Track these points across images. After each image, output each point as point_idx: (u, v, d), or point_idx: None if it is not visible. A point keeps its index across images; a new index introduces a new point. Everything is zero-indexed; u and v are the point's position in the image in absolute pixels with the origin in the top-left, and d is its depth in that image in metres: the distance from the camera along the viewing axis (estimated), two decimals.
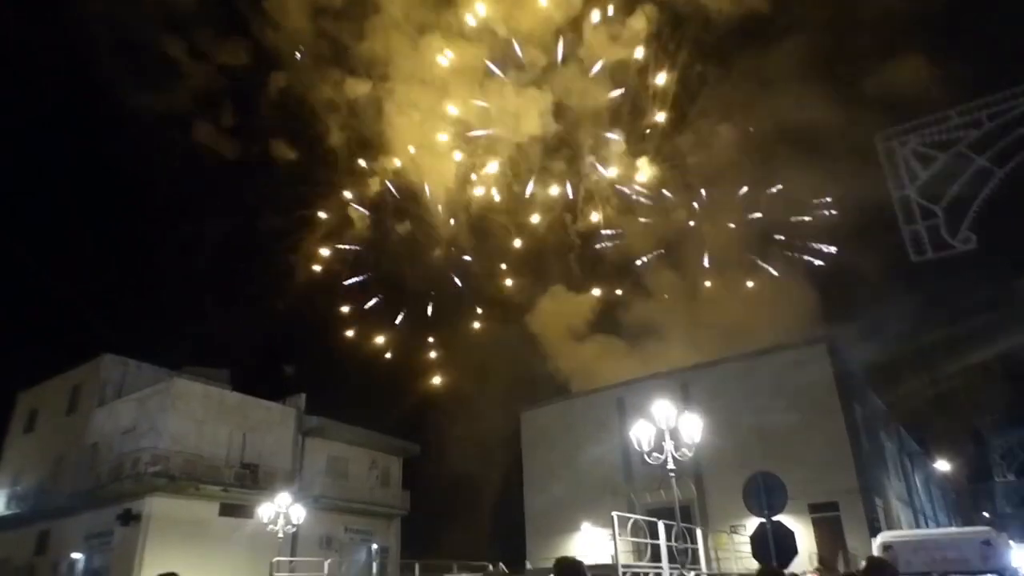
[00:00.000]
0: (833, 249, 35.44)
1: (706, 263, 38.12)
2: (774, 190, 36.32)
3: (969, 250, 16.82)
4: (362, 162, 38.87)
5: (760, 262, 36.85)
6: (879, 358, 33.27)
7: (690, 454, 12.56)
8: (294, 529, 19.71)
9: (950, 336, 34.85)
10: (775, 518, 9.50)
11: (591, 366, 36.53)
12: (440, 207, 39.41)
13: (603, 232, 39.33)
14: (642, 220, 38.37)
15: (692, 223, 38.29)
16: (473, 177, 38.35)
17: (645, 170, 37.93)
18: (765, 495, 9.63)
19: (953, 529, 20.74)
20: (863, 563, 16.20)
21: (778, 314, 34.77)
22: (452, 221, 39.56)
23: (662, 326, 38.23)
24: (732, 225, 37.56)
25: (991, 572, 9.06)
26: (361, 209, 39.15)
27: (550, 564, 19.03)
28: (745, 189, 37.03)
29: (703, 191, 37.96)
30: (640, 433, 12.80)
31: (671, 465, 12.28)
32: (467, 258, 40.53)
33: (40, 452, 28.68)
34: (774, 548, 9.10)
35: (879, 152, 18.82)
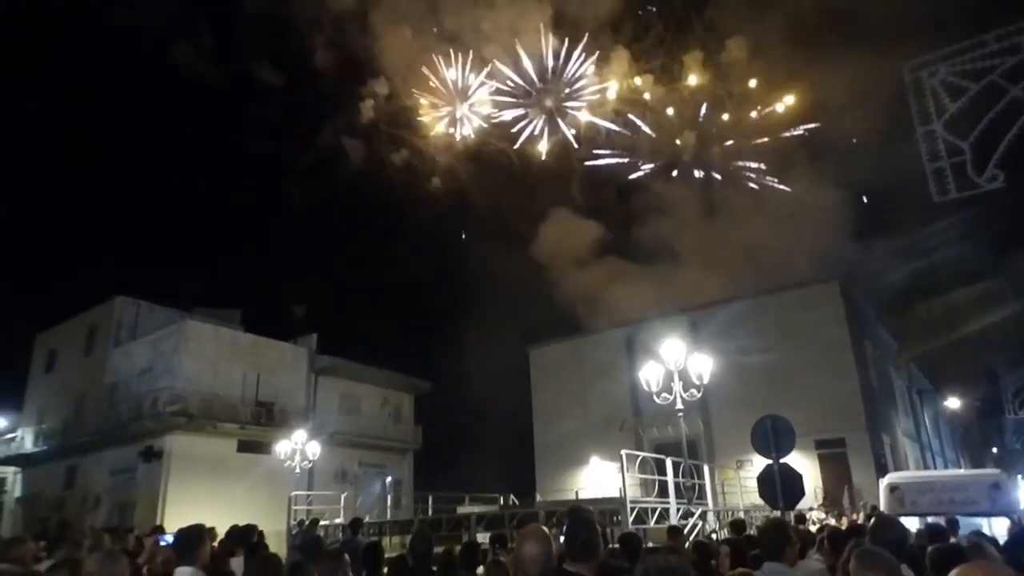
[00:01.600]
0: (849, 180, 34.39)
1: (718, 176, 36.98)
2: (781, 108, 34.86)
3: (996, 188, 16.15)
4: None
5: (773, 182, 35.66)
6: (892, 295, 32.90)
7: (699, 393, 12.56)
8: (310, 464, 20.20)
9: (966, 271, 34.25)
10: (782, 460, 9.50)
11: (599, 292, 36.31)
12: (434, 133, 38.08)
13: (606, 152, 37.92)
14: (649, 132, 36.68)
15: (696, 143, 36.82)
16: (469, 102, 36.84)
17: (650, 89, 36.31)
18: (773, 437, 9.59)
19: (962, 471, 20.94)
20: (864, 503, 16.34)
21: (791, 240, 34.20)
22: (453, 143, 38.16)
23: (672, 244, 37.71)
24: (731, 142, 36.18)
25: (999, 514, 9.05)
26: (352, 140, 37.81)
27: (559, 497, 19.55)
28: (755, 114, 35.66)
29: (706, 109, 36.30)
30: (649, 373, 12.79)
31: (679, 405, 12.31)
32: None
33: (62, 392, 29.44)
34: (781, 490, 9.12)
35: (906, 83, 17.86)
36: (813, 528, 11.32)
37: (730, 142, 36.21)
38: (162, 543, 9.99)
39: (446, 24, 36.71)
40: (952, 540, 5.96)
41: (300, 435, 19.96)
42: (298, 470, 19.58)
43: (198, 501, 20.93)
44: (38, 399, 30.80)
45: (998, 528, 9.31)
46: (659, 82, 36.08)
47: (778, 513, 9.40)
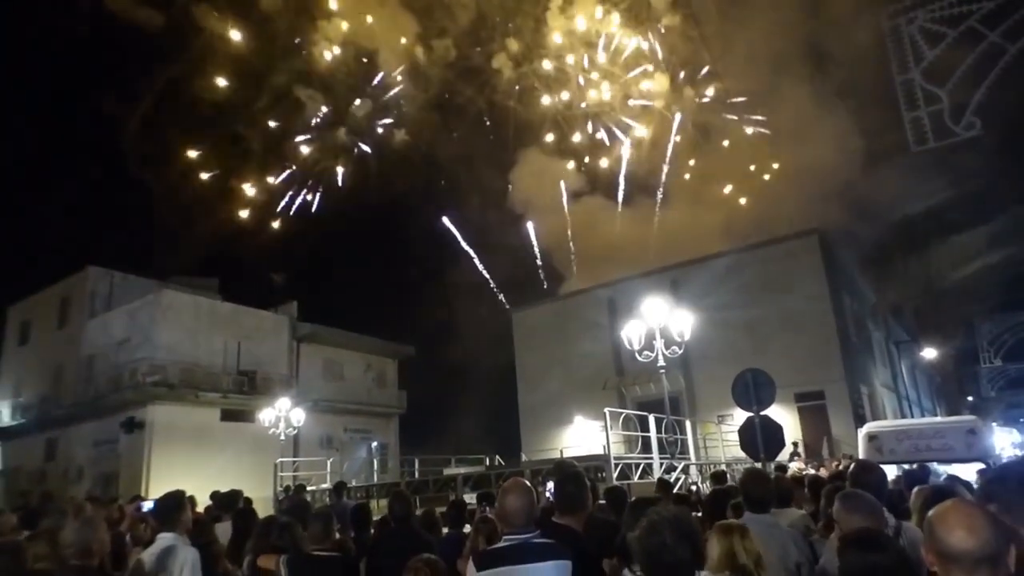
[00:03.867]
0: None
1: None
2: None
3: (973, 136, 16.15)
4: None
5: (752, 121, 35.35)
6: (871, 247, 33.18)
7: (680, 350, 12.59)
8: (295, 431, 20.17)
9: (942, 222, 34.58)
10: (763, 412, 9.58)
11: (578, 237, 36.16)
12: (398, 78, 36.81)
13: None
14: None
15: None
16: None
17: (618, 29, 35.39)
18: (754, 390, 9.67)
19: (938, 419, 21.40)
20: (844, 452, 16.68)
21: (770, 192, 34.23)
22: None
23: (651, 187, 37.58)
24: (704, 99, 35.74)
25: (975, 459, 9.21)
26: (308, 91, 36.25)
27: (545, 456, 19.66)
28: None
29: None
30: (632, 332, 12.79)
31: (661, 362, 12.34)
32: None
33: (37, 364, 28.99)
34: (762, 442, 9.22)
35: (884, 30, 17.65)
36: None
37: (709, 89, 35.73)
38: (143, 510, 9.90)
39: None
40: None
41: (284, 403, 19.86)
42: (283, 437, 19.55)
43: (182, 471, 20.84)
44: (13, 372, 30.33)
45: (969, 476, 9.51)
46: (628, 22, 35.06)
47: (760, 465, 9.52)
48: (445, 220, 39.35)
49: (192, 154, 32.80)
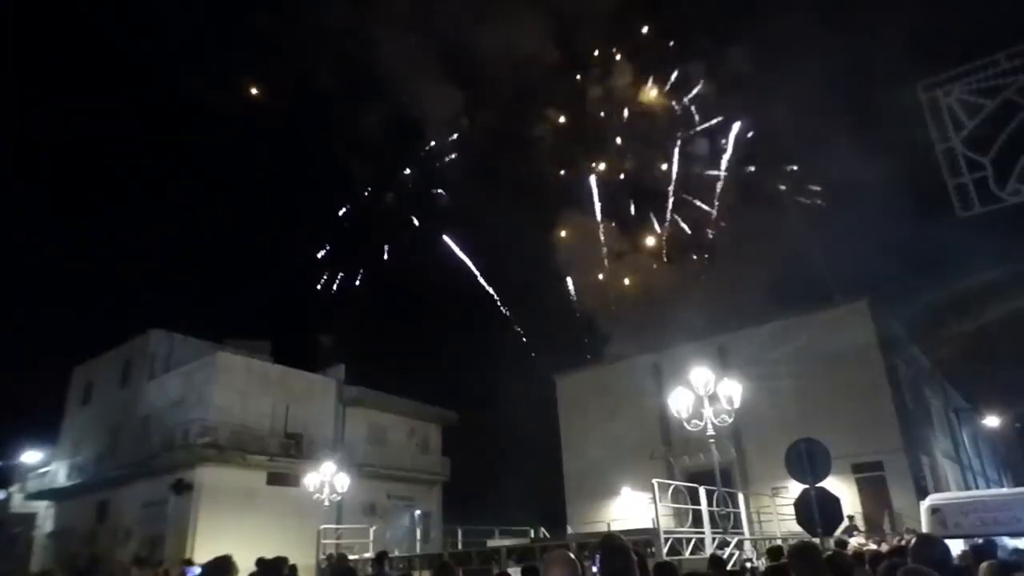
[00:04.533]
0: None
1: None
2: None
3: (1020, 202, 16.01)
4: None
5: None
6: (923, 313, 32.30)
7: (730, 419, 12.42)
8: (339, 497, 20.21)
9: (996, 285, 33.61)
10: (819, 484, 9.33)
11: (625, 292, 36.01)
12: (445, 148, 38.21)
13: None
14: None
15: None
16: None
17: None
18: (808, 462, 9.45)
19: (1004, 490, 20.24)
20: (907, 525, 15.91)
21: (819, 258, 33.88)
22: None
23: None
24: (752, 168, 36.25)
25: None
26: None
27: (591, 529, 19.27)
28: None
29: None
30: (679, 400, 12.69)
31: (711, 431, 12.17)
32: None
33: (97, 424, 29.97)
34: (819, 515, 8.95)
35: (921, 101, 17.87)
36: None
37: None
38: (190, 575, 10.05)
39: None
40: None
41: (328, 467, 20.03)
42: (327, 503, 19.61)
43: (228, 534, 21.05)
44: (74, 432, 31.37)
45: None
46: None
47: (816, 540, 9.21)
48: (483, 283, 40.00)
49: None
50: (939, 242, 30.80)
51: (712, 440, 12.37)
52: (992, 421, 34.19)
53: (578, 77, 37.60)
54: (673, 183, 37.78)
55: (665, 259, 39.09)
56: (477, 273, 41.28)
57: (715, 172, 37.37)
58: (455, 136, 38.90)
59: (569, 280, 39.69)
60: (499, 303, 40.94)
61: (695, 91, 36.57)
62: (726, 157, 37.22)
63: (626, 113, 37.87)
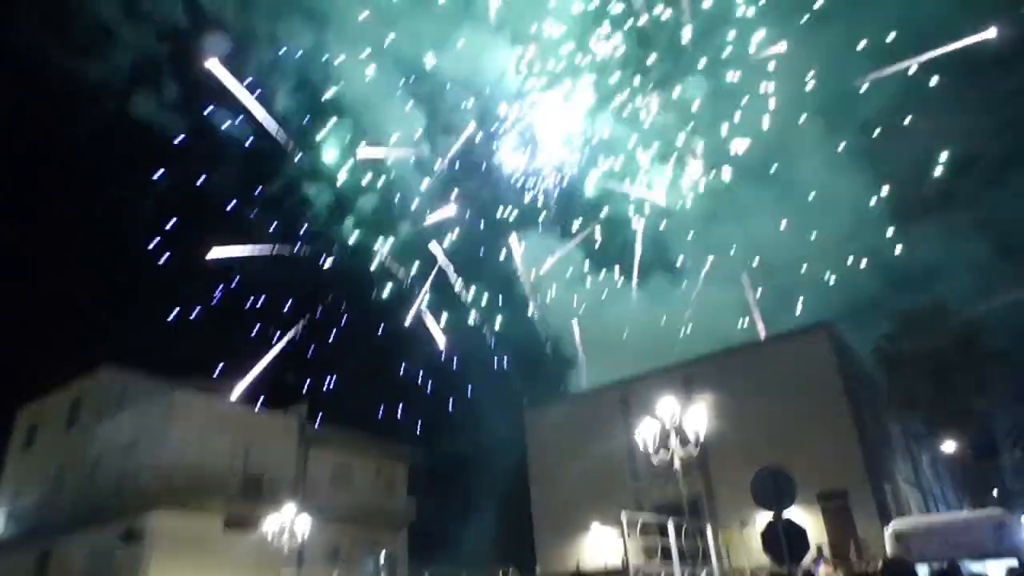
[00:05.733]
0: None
1: None
2: None
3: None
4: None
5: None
6: (880, 341, 33.10)
7: (696, 450, 12.40)
8: (300, 541, 19.50)
9: (946, 312, 34.74)
10: (786, 514, 9.33)
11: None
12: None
13: None
14: None
15: None
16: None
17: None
18: (774, 489, 9.46)
19: (965, 513, 20.57)
20: (873, 551, 16.00)
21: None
22: None
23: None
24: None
25: (1005, 555, 8.89)
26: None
27: (561, 567, 18.85)
28: None
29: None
30: (645, 432, 12.64)
31: (677, 464, 12.12)
32: None
33: (40, 469, 28.35)
34: (786, 546, 8.93)
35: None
36: None
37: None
38: None
39: None
40: None
41: (289, 509, 19.35)
42: (287, 549, 18.89)
43: None
44: (14, 478, 29.61)
45: (1000, 573, 9.13)
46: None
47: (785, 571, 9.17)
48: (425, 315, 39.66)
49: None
50: (891, 267, 31.94)
51: (679, 472, 12.31)
52: (949, 446, 34.89)
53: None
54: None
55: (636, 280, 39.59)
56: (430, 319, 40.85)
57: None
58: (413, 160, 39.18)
59: (535, 307, 39.75)
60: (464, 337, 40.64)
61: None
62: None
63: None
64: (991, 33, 29.66)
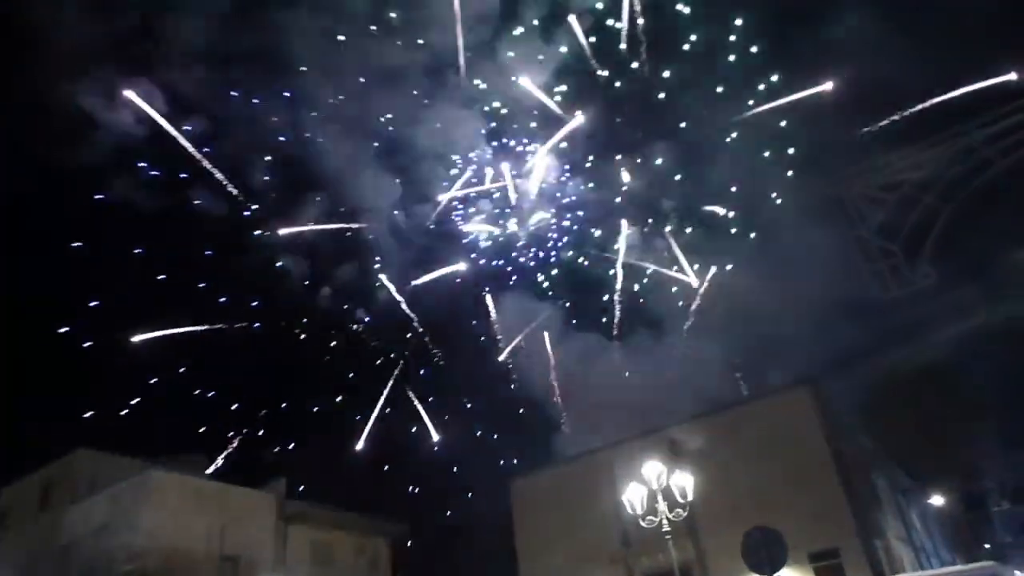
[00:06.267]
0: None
1: None
2: None
3: (930, 284, 17.46)
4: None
5: None
6: (863, 396, 33.38)
7: (684, 513, 12.33)
8: None
9: (929, 366, 35.17)
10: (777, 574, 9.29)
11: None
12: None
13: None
14: None
15: None
16: None
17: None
18: (765, 551, 9.47)
19: (958, 567, 20.40)
20: None
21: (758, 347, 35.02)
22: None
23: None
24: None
25: None
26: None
27: None
28: None
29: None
30: (632, 496, 12.58)
31: (666, 527, 12.03)
32: None
33: (11, 556, 26.99)
34: None
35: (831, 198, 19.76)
36: None
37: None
38: None
39: None
40: None
41: None
42: None
43: None
44: None
45: None
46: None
47: None
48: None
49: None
50: (869, 323, 32.50)
51: (668, 536, 12.20)
52: (938, 500, 34.84)
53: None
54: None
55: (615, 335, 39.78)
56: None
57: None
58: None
59: (515, 371, 39.65)
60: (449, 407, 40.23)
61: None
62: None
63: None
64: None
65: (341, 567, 29.24)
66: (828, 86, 29.03)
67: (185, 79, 37.31)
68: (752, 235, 36.73)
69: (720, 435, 24.37)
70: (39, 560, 25.54)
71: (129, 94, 33.16)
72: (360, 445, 36.65)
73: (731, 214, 36.96)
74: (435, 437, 37.77)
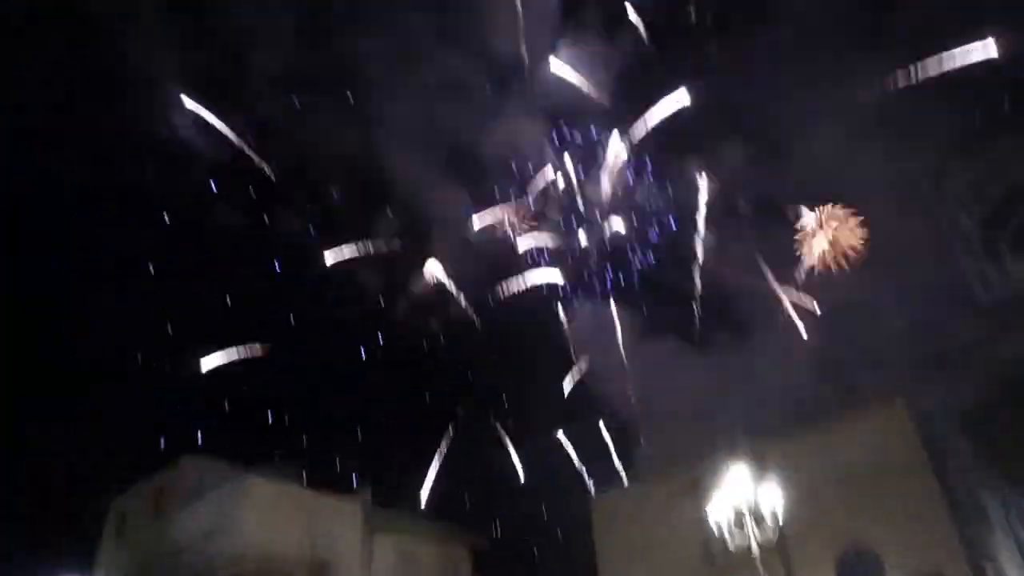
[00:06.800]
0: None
1: None
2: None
3: None
4: None
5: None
6: (965, 404, 31.23)
7: (773, 532, 11.98)
8: None
9: None
10: None
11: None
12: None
13: None
14: None
15: None
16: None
17: None
18: (861, 574, 9.09)
19: None
20: None
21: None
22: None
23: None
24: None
25: None
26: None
27: None
28: None
29: None
30: (717, 513, 12.33)
31: (754, 547, 11.72)
32: None
33: (130, 557, 29.01)
34: None
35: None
36: None
37: None
38: None
39: None
40: None
41: None
42: None
43: None
44: (107, 568, 30.27)
45: None
46: None
47: None
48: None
49: None
50: (977, 324, 30.27)
51: (756, 556, 11.89)
52: None
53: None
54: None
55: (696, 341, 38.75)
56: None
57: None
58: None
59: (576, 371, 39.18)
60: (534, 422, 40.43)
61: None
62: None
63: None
64: None
65: (426, 574, 29.84)
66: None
67: (263, 103, 39.78)
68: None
69: (811, 449, 23.42)
70: (155, 563, 27.24)
71: (212, 118, 35.55)
72: (437, 462, 37.25)
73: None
74: (519, 469, 37.76)
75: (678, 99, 34.17)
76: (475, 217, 38.55)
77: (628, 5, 35.23)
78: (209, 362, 34.72)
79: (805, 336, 34.98)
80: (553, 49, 37.70)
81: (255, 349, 35.60)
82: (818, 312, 34.39)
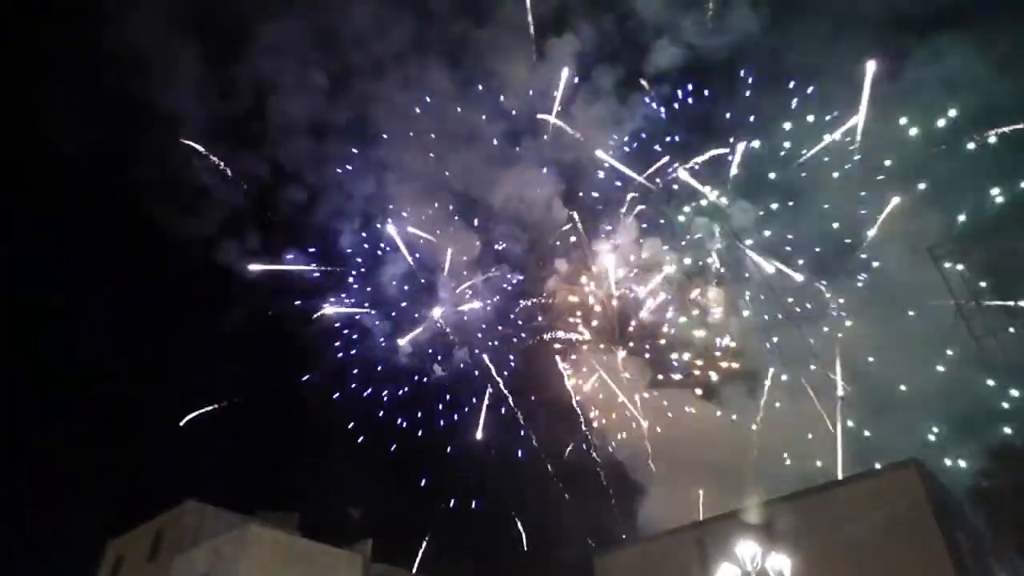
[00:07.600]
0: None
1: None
2: None
3: None
4: None
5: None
6: (978, 474, 30.79)
7: None
8: None
9: None
10: None
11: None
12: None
13: None
14: None
15: None
16: None
17: None
18: None
19: None
20: None
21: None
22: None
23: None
24: None
25: None
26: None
27: None
28: None
29: None
30: None
31: None
32: None
33: None
34: None
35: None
36: None
37: None
38: None
39: None
40: None
41: None
42: None
43: None
44: None
45: None
46: None
47: None
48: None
49: None
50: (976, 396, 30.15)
51: None
52: None
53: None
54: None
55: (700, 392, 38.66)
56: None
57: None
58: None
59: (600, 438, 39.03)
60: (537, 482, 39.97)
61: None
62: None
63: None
64: None
65: None
66: None
67: (285, 152, 41.32)
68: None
69: (820, 515, 23.05)
70: None
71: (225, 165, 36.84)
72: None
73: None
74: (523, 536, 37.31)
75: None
76: None
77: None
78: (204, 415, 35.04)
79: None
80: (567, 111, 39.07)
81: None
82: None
